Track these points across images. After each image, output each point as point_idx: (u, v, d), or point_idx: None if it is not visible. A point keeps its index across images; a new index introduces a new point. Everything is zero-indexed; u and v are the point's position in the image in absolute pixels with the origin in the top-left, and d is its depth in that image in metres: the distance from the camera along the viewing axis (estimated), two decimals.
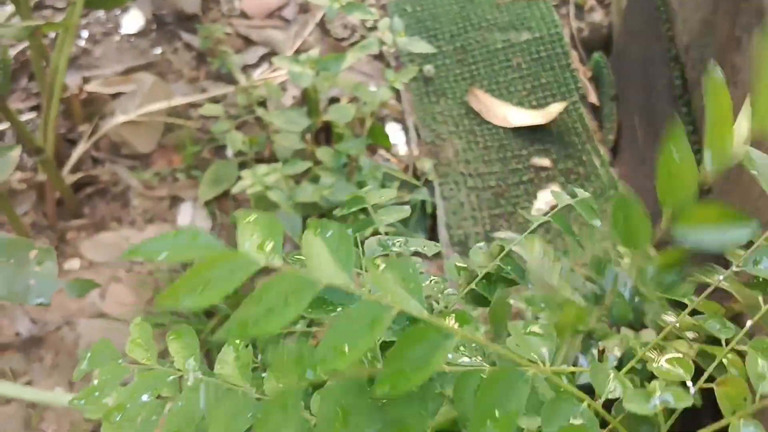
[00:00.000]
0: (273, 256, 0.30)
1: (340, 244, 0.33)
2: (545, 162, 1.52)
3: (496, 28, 1.77)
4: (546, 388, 0.38)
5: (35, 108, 1.76)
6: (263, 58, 1.85)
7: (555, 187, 1.48)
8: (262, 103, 1.67)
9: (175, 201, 1.59)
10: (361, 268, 0.55)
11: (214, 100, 1.69)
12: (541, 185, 1.49)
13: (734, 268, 0.51)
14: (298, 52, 1.83)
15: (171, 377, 0.45)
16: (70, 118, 1.67)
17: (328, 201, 1.35)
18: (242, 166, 1.52)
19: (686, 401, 0.39)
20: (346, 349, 0.28)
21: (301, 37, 1.88)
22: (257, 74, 1.79)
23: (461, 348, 0.39)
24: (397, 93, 1.69)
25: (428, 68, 1.70)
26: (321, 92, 1.51)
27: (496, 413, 0.33)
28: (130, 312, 1.45)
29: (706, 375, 0.46)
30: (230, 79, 1.77)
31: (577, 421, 0.35)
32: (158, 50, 1.88)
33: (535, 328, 0.39)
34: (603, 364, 0.39)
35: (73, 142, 1.64)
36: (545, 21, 1.76)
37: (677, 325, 0.51)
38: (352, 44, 1.84)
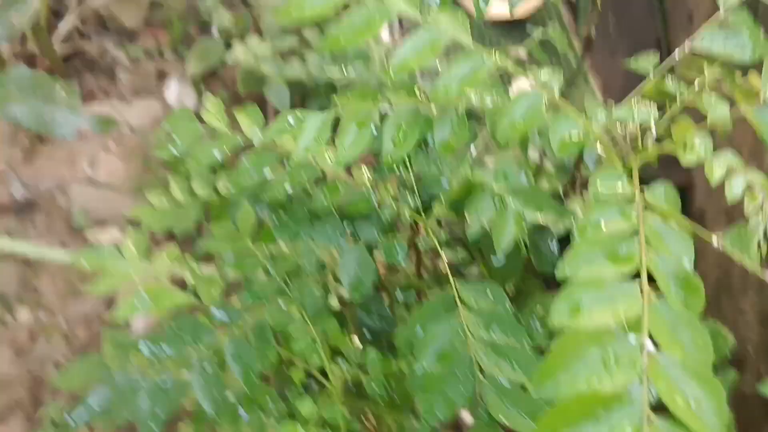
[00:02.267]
0: None
1: None
2: (521, 53, 1.59)
3: None
4: None
5: None
6: None
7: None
8: None
9: (162, 76, 1.63)
10: None
11: None
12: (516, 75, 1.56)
13: None
14: None
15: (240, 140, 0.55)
16: None
17: (316, 79, 1.41)
18: (228, 45, 1.56)
19: None
20: (413, 64, 0.47)
21: None
22: None
23: None
24: None
25: None
26: None
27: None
28: (120, 180, 1.51)
29: None
30: None
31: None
32: None
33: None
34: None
35: (58, 15, 1.65)
36: None
37: None
38: None
